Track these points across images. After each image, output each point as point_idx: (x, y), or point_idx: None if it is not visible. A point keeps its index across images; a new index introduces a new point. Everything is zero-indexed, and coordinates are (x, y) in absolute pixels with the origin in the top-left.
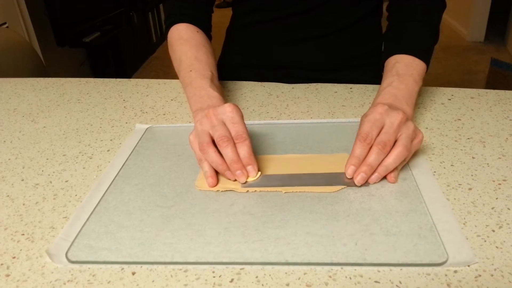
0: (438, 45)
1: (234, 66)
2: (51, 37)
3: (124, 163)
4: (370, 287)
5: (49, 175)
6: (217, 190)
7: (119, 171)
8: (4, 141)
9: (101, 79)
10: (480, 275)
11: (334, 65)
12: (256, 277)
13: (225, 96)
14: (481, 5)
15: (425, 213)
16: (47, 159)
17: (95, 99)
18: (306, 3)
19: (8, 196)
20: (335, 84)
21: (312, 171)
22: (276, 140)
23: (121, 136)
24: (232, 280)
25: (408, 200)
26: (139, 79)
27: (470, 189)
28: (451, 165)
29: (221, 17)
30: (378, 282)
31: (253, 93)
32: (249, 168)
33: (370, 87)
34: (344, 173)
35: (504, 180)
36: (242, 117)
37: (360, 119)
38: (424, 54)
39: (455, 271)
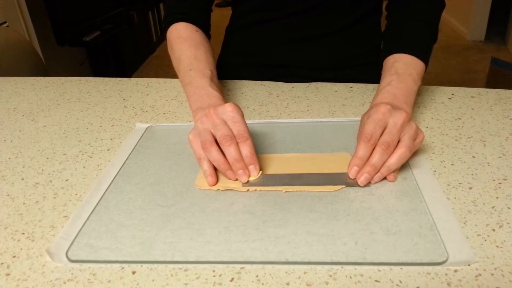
0: (438, 44)
1: (234, 65)
2: (51, 36)
3: (124, 162)
4: (371, 286)
5: (49, 174)
6: (217, 189)
7: (119, 170)
8: (4, 140)
9: (101, 78)
10: (480, 274)
11: (334, 64)
12: (256, 276)
13: (225, 95)
14: (481, 4)
15: (425, 212)
16: (47, 158)
17: (95, 98)
18: (306, 3)
19: (8, 195)
20: (335, 83)
21: (312, 171)
22: (276, 139)
23: (121, 135)
24: (232, 279)
25: (409, 199)
26: (139, 78)
27: (470, 188)
28: (452, 164)
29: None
30: (378, 281)
31: (253, 92)
32: (251, 167)
33: (370, 86)
34: (344, 173)
35: (504, 179)
36: (243, 116)
37: (360, 118)
38: (423, 53)
39: (455, 270)
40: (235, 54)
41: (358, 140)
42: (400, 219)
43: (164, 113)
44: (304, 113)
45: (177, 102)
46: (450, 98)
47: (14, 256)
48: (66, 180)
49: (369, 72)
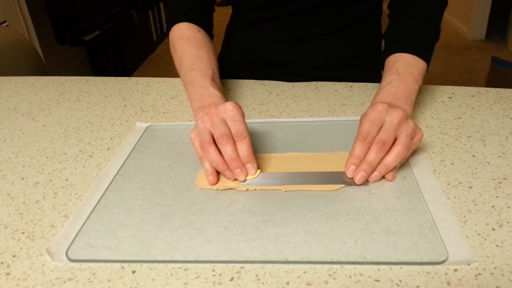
0: (438, 43)
1: (234, 64)
2: (51, 35)
3: (124, 162)
4: (370, 285)
5: (49, 173)
6: (217, 189)
7: (119, 170)
8: (5, 140)
9: (101, 78)
10: (480, 274)
11: (334, 63)
12: (256, 275)
13: (226, 94)
14: (482, 3)
15: (425, 212)
16: (47, 157)
17: (95, 98)
18: (306, 2)
19: (8, 194)
20: (335, 82)
21: (312, 170)
22: (276, 138)
23: (121, 134)
24: (232, 279)
25: (408, 198)
26: (139, 78)
27: (470, 187)
28: (452, 164)
29: (221, 16)
30: (378, 281)
31: (253, 92)
32: (249, 166)
33: (371, 85)
34: (344, 172)
35: (504, 179)
36: (243, 115)
37: (360, 117)
38: (424, 52)
39: (455, 270)
40: (235, 53)
41: (354, 139)
42: (400, 218)
43: (164, 113)
44: (304, 112)
45: (177, 101)
46: (450, 97)
47: (14, 256)
48: (66, 180)
49: (369, 71)
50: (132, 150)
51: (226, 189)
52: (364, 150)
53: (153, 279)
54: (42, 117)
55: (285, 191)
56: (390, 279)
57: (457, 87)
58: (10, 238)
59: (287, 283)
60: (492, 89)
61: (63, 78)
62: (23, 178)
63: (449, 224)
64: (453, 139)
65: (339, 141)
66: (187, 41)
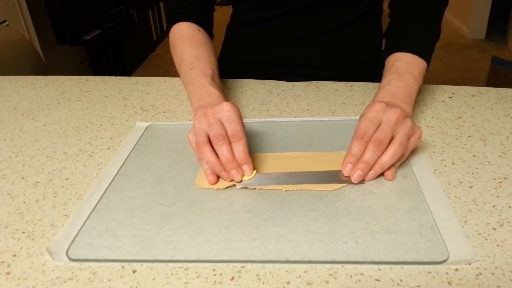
0: (439, 42)
1: (234, 64)
2: (51, 35)
3: (124, 161)
4: (371, 285)
5: (49, 173)
6: (217, 188)
7: (119, 169)
8: (5, 139)
9: (101, 77)
10: (481, 273)
11: (334, 63)
12: (257, 275)
13: (226, 94)
14: (482, 3)
15: (426, 211)
16: (48, 157)
17: (95, 97)
18: (306, 1)
19: (8, 194)
20: (336, 82)
21: (312, 169)
22: (277, 138)
23: (121, 134)
24: (232, 278)
25: (409, 198)
26: (140, 77)
27: (471, 187)
28: (452, 163)
29: (221, 15)
30: (379, 280)
31: (254, 91)
32: (244, 167)
33: (371, 85)
34: (341, 171)
35: (505, 178)
36: (239, 116)
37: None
38: (424, 52)
39: (456, 269)
40: (236, 53)
41: (352, 138)
42: (401, 218)
43: (164, 112)
44: (304, 112)
45: (177, 101)
46: (450, 97)
47: (14, 255)
48: (66, 179)
49: (369, 70)
50: (132, 150)
51: (227, 188)
52: (361, 149)
53: (153, 279)
54: (42, 116)
55: (285, 190)
56: (390, 278)
57: (458, 87)
58: (11, 238)
59: (288, 283)
60: (493, 88)
61: (63, 77)
62: (23, 178)
63: (449, 224)
64: (454, 139)
65: (340, 141)
66: (187, 41)
